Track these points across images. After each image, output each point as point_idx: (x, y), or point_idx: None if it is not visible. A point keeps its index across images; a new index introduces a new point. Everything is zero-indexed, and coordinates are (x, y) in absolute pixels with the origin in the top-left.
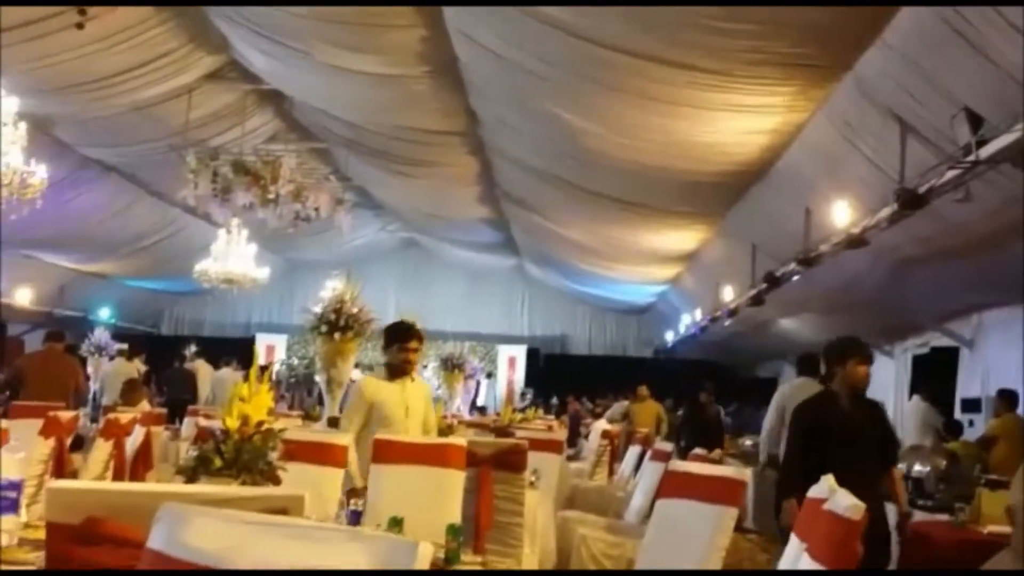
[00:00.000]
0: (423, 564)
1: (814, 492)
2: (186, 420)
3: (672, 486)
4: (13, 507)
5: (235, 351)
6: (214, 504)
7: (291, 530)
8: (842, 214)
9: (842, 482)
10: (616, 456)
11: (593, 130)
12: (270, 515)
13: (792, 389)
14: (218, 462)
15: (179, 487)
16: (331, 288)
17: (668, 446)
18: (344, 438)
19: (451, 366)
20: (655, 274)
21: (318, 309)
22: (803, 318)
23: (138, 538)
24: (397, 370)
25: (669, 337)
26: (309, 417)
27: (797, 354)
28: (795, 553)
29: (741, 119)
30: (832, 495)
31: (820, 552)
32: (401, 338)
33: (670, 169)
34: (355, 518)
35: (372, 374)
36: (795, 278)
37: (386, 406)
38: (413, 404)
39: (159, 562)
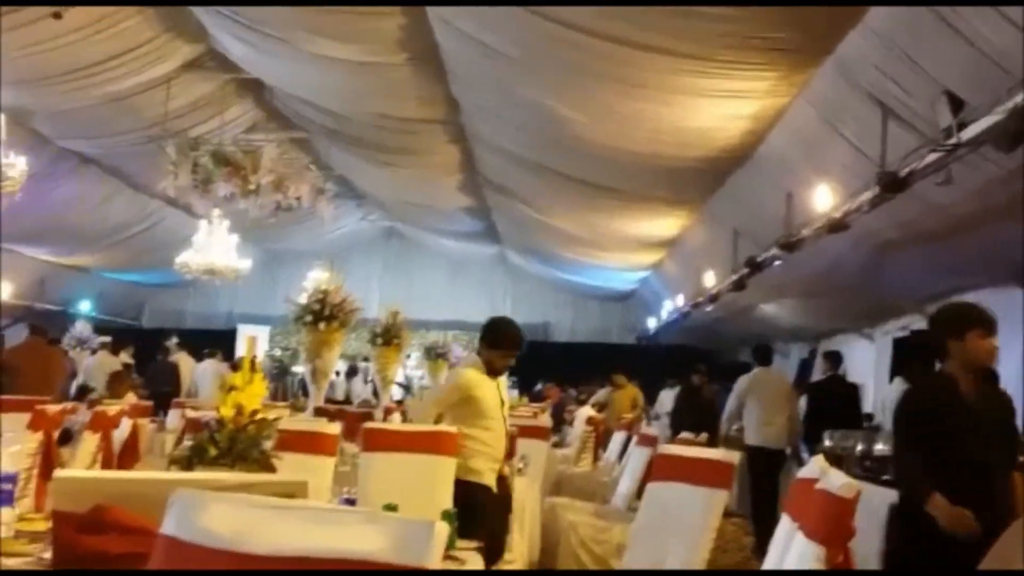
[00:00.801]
0: (440, 543)
1: (805, 472)
2: (171, 412)
3: (662, 469)
4: (9, 499)
5: (217, 343)
6: (220, 491)
7: (306, 513)
8: (824, 198)
9: (967, 486)
10: (600, 442)
11: (574, 117)
12: (283, 499)
13: (751, 380)
14: (213, 451)
15: (184, 475)
16: (314, 278)
17: (654, 431)
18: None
19: (435, 355)
20: (637, 260)
21: (302, 299)
22: (784, 303)
23: (144, 525)
24: (496, 371)
25: (651, 323)
26: (295, 408)
27: (780, 339)
28: (787, 534)
29: (723, 104)
30: (824, 475)
31: (814, 532)
32: (514, 346)
33: (652, 155)
34: (348, 506)
35: (471, 366)
36: (777, 263)
37: (485, 400)
38: (504, 396)
39: (174, 547)
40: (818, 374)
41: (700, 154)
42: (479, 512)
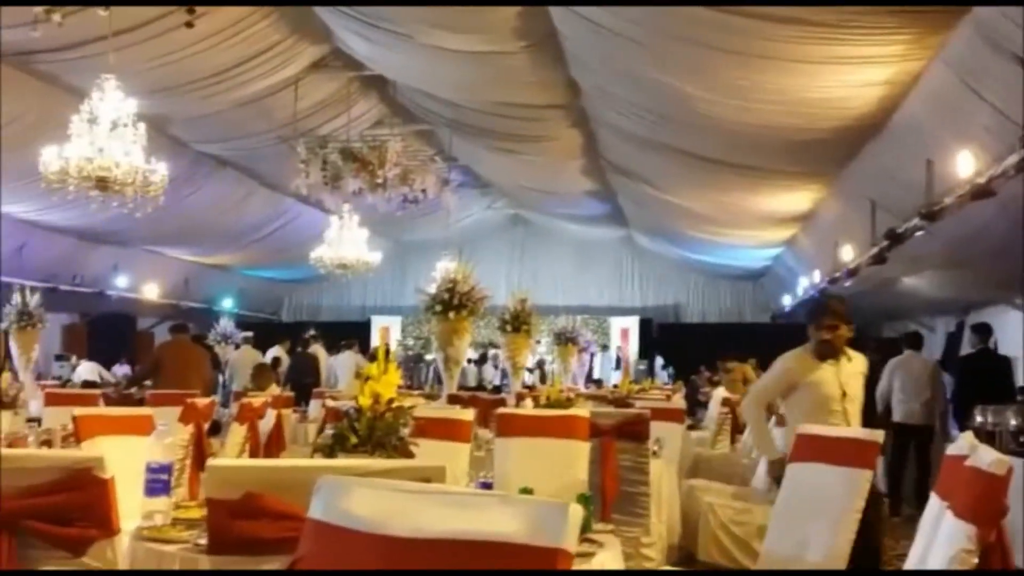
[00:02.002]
0: (575, 524)
1: (953, 450)
2: (312, 403)
3: (804, 450)
4: (165, 489)
5: (352, 334)
6: (362, 476)
7: (445, 497)
8: (966, 164)
9: None
10: (738, 424)
11: (698, 94)
12: (423, 483)
13: (896, 361)
14: (353, 439)
15: (329, 461)
16: (442, 268)
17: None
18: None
19: (564, 340)
20: (769, 237)
21: (432, 289)
22: (927, 275)
23: (293, 511)
24: (823, 351)
25: (787, 301)
26: (429, 396)
27: (924, 312)
28: (936, 513)
29: (854, 72)
30: (974, 451)
31: (964, 510)
32: (830, 314)
33: (781, 128)
34: (485, 490)
35: (799, 350)
36: (918, 234)
37: (817, 387)
38: (852, 386)
39: (320, 530)
40: (967, 348)
41: (831, 124)
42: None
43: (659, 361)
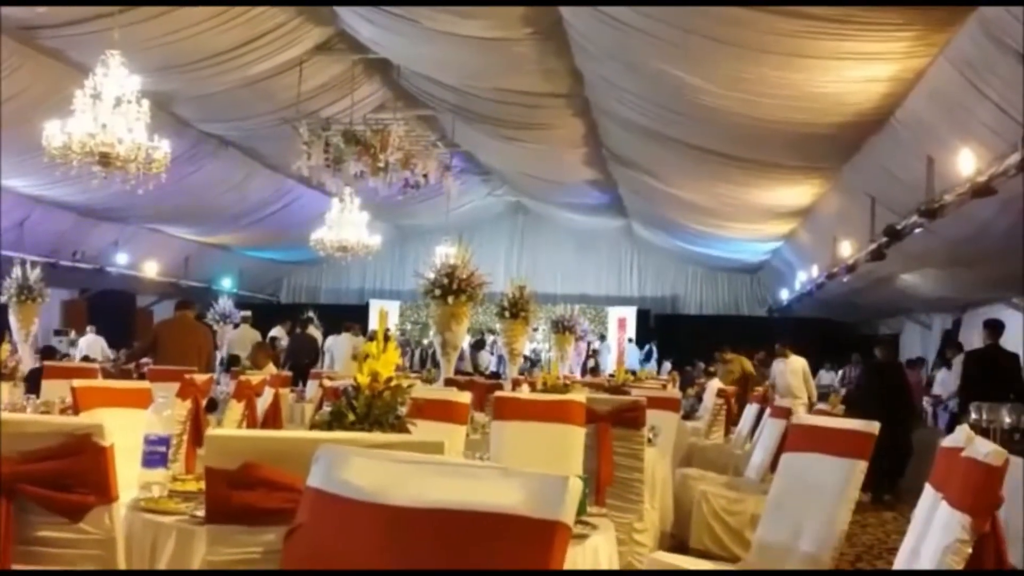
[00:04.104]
0: (574, 497)
1: (949, 441)
2: (309, 383)
3: (799, 440)
4: (163, 460)
5: (351, 318)
6: None
7: (444, 468)
8: (967, 162)
9: None
10: (732, 415)
11: (702, 86)
12: (422, 454)
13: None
14: (351, 416)
15: (328, 434)
16: (442, 253)
17: (787, 402)
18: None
19: (562, 328)
20: (768, 231)
21: (431, 274)
22: (926, 272)
23: (291, 482)
24: None
25: (784, 295)
26: (426, 380)
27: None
28: (930, 504)
29: (858, 67)
30: (970, 443)
31: (960, 500)
32: None
33: (784, 122)
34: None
35: None
36: (917, 231)
37: None
38: None
39: (319, 499)
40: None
41: (834, 120)
42: None
43: (636, 352)
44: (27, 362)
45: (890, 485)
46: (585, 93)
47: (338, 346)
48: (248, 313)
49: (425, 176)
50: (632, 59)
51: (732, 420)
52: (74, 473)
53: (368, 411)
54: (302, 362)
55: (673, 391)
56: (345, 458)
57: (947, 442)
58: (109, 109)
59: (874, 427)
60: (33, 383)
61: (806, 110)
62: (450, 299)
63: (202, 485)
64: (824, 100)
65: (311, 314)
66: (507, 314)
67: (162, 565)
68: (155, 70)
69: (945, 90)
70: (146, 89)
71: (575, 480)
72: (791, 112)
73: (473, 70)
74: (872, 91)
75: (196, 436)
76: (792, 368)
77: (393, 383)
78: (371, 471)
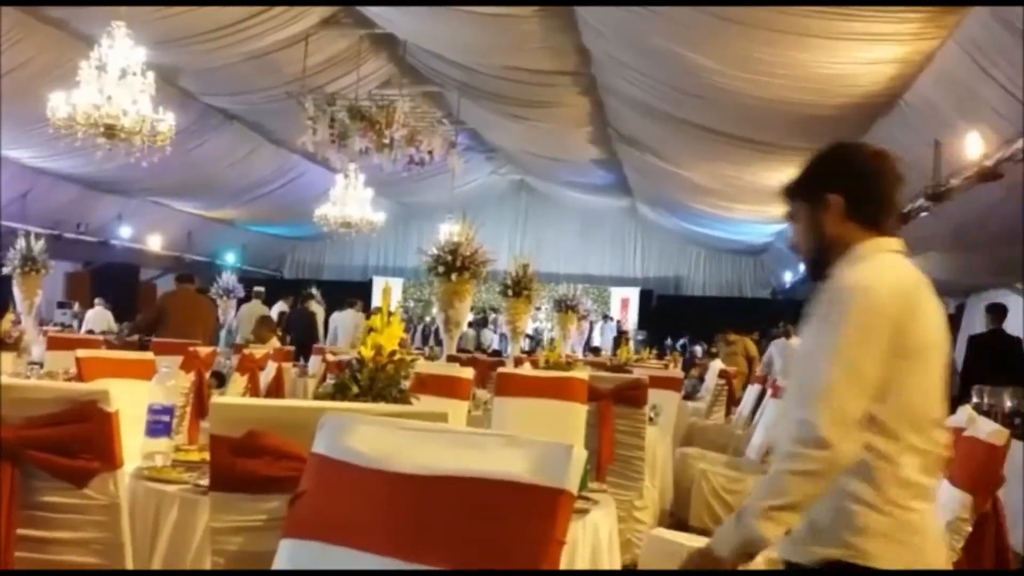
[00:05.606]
0: (578, 465)
1: (951, 422)
2: (312, 358)
3: None
4: (166, 430)
5: (354, 294)
6: None
7: (449, 436)
8: (974, 146)
9: None
10: (733, 396)
11: (709, 65)
12: (427, 422)
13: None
14: (355, 389)
15: (333, 403)
16: (446, 231)
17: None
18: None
19: (565, 308)
20: (773, 213)
21: (435, 251)
22: (930, 256)
23: (295, 451)
24: None
25: (788, 277)
26: (429, 358)
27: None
28: None
29: (867, 49)
30: (972, 423)
31: (961, 479)
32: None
33: (791, 103)
34: None
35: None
36: (923, 214)
37: None
38: None
39: (323, 465)
40: (977, 328)
41: (841, 101)
42: None
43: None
44: (31, 333)
45: None
46: (592, 71)
47: (342, 322)
48: (262, 289)
49: (430, 153)
50: (639, 38)
51: (733, 401)
52: (79, 439)
53: (371, 384)
54: (297, 337)
55: (675, 371)
56: (350, 425)
57: (949, 423)
58: (114, 81)
59: None
60: None
61: (814, 91)
62: (453, 276)
63: (205, 455)
64: (832, 81)
65: (313, 289)
66: (510, 292)
67: (165, 534)
68: (160, 42)
69: (954, 73)
70: (151, 61)
71: (580, 449)
72: (799, 93)
73: (480, 47)
74: (880, 73)
75: (199, 408)
76: (794, 348)
77: (397, 357)
78: (376, 438)
